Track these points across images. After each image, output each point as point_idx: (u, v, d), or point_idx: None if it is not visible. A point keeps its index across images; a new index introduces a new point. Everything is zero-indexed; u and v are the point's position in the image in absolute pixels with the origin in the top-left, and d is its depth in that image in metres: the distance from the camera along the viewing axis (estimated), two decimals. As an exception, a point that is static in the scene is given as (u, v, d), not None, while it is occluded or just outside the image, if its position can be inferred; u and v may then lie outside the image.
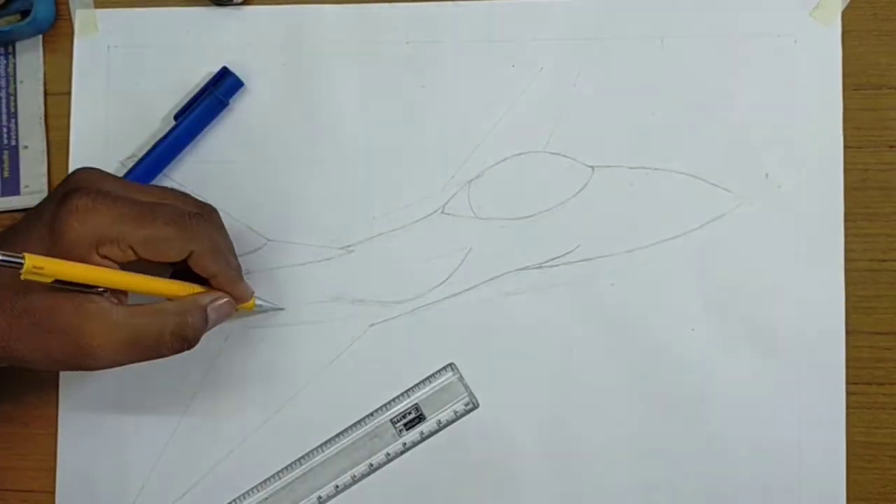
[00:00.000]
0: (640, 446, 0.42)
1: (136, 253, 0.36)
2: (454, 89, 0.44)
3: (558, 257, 0.43)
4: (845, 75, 0.42)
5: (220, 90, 0.43)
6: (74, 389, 0.44)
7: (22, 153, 0.46)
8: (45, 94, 0.46)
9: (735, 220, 0.42)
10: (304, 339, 0.44)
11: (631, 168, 0.43)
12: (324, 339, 0.44)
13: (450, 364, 0.43)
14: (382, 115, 0.44)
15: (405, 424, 0.43)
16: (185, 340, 0.37)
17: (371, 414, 0.43)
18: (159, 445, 0.44)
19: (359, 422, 0.43)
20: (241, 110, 0.45)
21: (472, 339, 0.43)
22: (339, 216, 0.44)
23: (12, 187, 0.45)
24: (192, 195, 0.40)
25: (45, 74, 0.46)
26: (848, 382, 0.41)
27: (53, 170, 0.46)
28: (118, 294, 0.36)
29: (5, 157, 0.46)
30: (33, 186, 0.45)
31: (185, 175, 0.45)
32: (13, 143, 0.46)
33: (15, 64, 0.46)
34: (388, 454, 0.43)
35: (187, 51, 0.45)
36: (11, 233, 0.37)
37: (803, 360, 0.41)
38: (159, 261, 0.36)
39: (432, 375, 0.43)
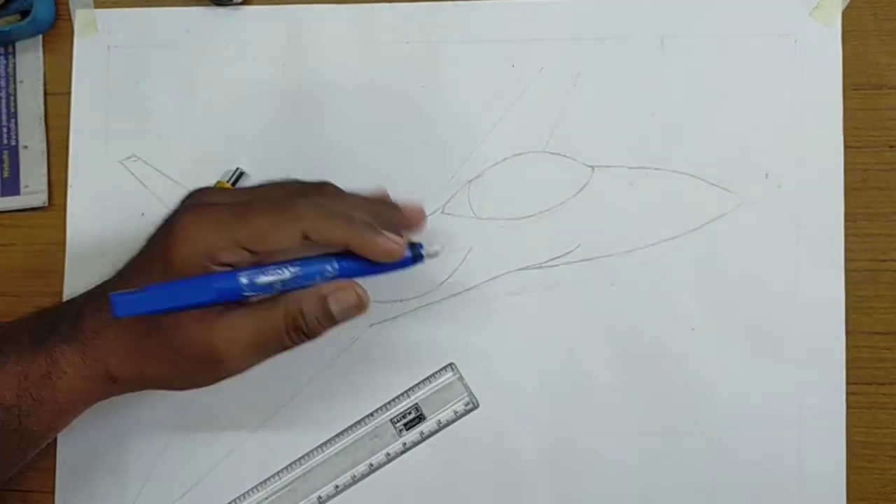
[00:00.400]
0: (639, 446, 0.42)
1: (250, 252, 0.34)
2: (454, 89, 0.44)
3: (558, 257, 0.43)
4: (845, 75, 0.42)
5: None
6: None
7: (22, 153, 0.46)
8: (45, 94, 0.46)
9: (735, 220, 0.42)
10: (304, 339, 0.44)
11: (631, 168, 0.43)
12: (324, 339, 0.43)
13: (449, 364, 0.43)
14: (382, 115, 0.44)
15: (405, 424, 0.43)
16: (300, 331, 0.35)
17: (371, 414, 0.43)
18: (159, 445, 0.44)
19: (359, 422, 0.43)
20: (241, 111, 0.45)
21: (472, 339, 0.43)
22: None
23: (12, 187, 0.45)
24: (301, 179, 0.38)
25: (45, 74, 0.46)
26: (848, 382, 0.41)
27: (53, 170, 0.46)
28: None
29: (5, 157, 0.46)
30: (33, 186, 0.45)
31: (186, 175, 0.45)
32: (13, 143, 0.46)
33: (15, 64, 0.46)
34: (388, 454, 0.43)
35: (187, 51, 0.45)
36: (129, 270, 0.37)
37: (803, 360, 0.41)
38: (276, 251, 0.34)
39: (432, 375, 0.43)
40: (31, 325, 0.38)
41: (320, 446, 0.43)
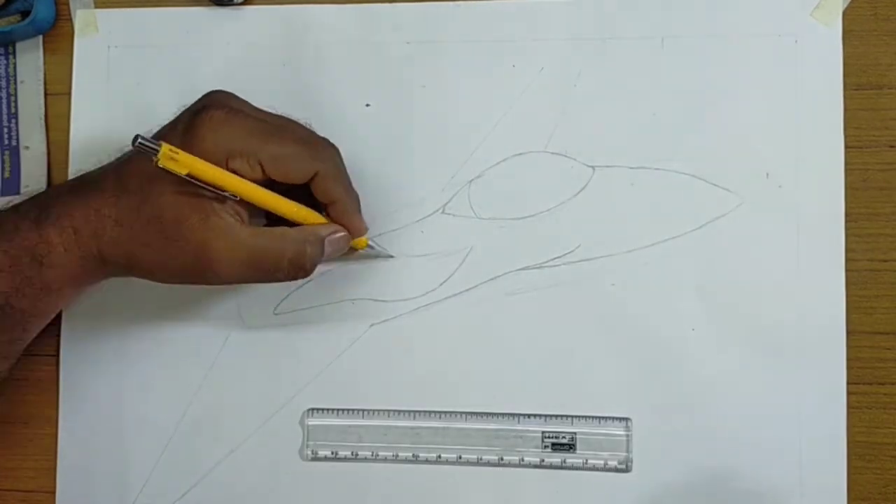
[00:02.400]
0: (639, 446, 0.42)
1: (263, 170, 0.36)
2: (454, 89, 0.44)
3: (558, 257, 0.43)
4: (846, 75, 0.42)
5: None
6: (74, 389, 0.44)
7: (23, 153, 0.46)
8: (46, 94, 0.46)
9: (735, 220, 0.42)
10: (305, 339, 0.44)
11: (631, 168, 0.43)
12: (324, 339, 0.44)
13: (628, 419, 0.42)
14: (382, 115, 0.44)
15: (553, 445, 0.42)
16: (301, 268, 0.38)
17: (530, 416, 0.42)
18: (159, 445, 0.44)
19: (515, 416, 0.42)
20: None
21: (472, 339, 0.43)
22: (339, 216, 0.44)
23: (13, 187, 0.45)
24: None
25: (45, 74, 0.46)
26: (848, 382, 0.41)
27: (53, 170, 0.46)
28: (241, 213, 0.37)
29: (6, 157, 0.46)
30: (34, 186, 0.45)
31: (185, 175, 0.45)
32: (14, 143, 0.46)
33: (15, 64, 0.46)
34: (522, 460, 0.42)
35: (187, 51, 0.45)
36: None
37: (803, 360, 0.41)
38: (284, 180, 0.37)
39: (606, 419, 0.42)
40: (24, 206, 0.38)
41: (467, 413, 0.43)
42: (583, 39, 0.44)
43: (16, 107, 0.46)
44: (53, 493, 0.44)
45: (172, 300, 0.44)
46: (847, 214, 0.42)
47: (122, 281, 0.44)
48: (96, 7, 0.46)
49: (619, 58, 0.43)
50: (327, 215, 0.40)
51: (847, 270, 0.42)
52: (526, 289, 0.43)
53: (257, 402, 0.44)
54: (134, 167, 0.37)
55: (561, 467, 0.42)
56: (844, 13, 0.42)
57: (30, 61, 0.46)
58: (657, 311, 0.42)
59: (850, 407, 0.41)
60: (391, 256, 0.43)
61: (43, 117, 0.46)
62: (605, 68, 0.43)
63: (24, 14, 0.45)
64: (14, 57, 0.46)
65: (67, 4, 0.46)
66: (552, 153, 0.43)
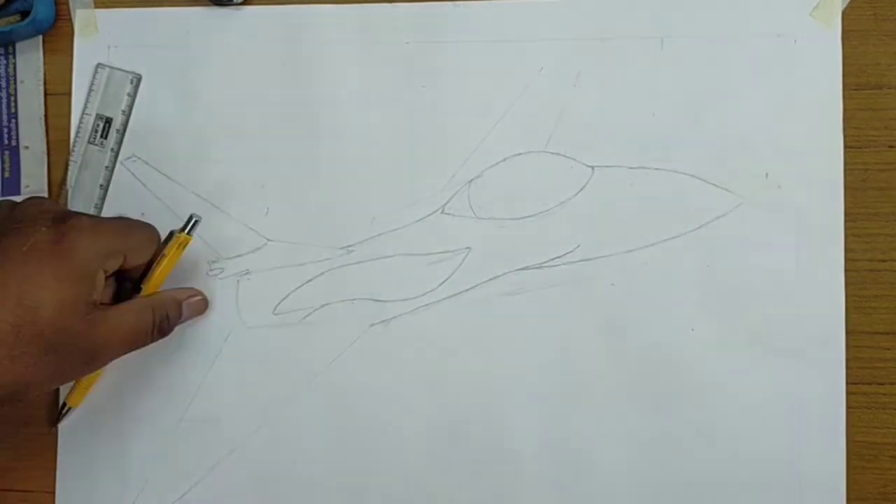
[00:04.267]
0: (639, 446, 0.42)
1: (125, 261, 0.39)
2: (454, 89, 0.44)
3: (558, 257, 0.43)
4: (845, 75, 0.42)
5: None
6: (74, 389, 0.44)
7: (23, 153, 0.46)
8: (46, 94, 0.46)
9: (735, 220, 0.42)
10: (305, 339, 0.44)
11: (631, 168, 0.43)
12: (324, 339, 0.44)
13: (98, 65, 0.43)
14: (382, 115, 0.44)
15: (101, 135, 0.43)
16: (162, 333, 0.41)
17: (72, 149, 0.42)
18: (159, 445, 0.44)
19: (67, 163, 0.42)
20: (241, 111, 0.45)
21: (472, 339, 0.43)
22: (339, 216, 0.44)
23: (13, 187, 0.45)
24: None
25: (45, 74, 0.46)
26: (848, 382, 0.41)
27: (53, 170, 0.46)
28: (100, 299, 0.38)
29: (6, 157, 0.46)
30: (34, 186, 0.45)
31: (185, 175, 0.45)
32: (14, 143, 0.46)
33: (15, 64, 0.46)
34: (107, 167, 0.44)
35: (187, 51, 0.45)
36: (12, 267, 0.35)
37: (803, 360, 0.41)
38: (137, 265, 0.40)
39: (92, 83, 0.43)
40: None
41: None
42: (583, 39, 0.44)
43: (16, 107, 0.46)
44: (53, 493, 0.44)
45: (172, 300, 0.44)
46: (847, 214, 0.42)
47: (122, 281, 0.44)
48: (96, 7, 0.46)
49: (619, 58, 0.43)
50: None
51: (847, 270, 0.42)
52: (526, 289, 0.43)
53: (257, 402, 0.44)
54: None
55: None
56: (844, 13, 0.42)
57: (30, 61, 0.46)
58: (657, 311, 0.42)
59: (850, 407, 0.41)
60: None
61: (43, 117, 0.46)
62: (605, 68, 0.43)
63: (24, 14, 0.45)
64: (14, 57, 0.46)
65: (67, 4, 0.46)
66: (552, 153, 0.43)
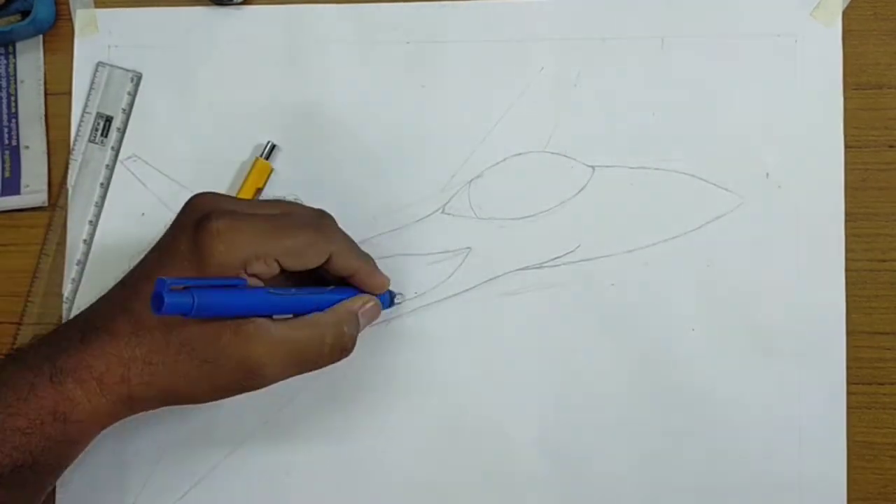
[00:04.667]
0: (640, 446, 0.42)
1: (280, 265, 0.36)
2: (454, 89, 0.44)
3: (558, 257, 0.43)
4: (846, 75, 0.42)
5: None
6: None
7: (23, 153, 0.46)
8: (46, 93, 0.46)
9: (735, 219, 0.42)
10: (304, 339, 0.44)
11: (631, 168, 0.43)
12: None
13: (98, 63, 0.42)
14: (382, 115, 0.44)
15: (102, 133, 0.42)
16: (343, 350, 0.37)
17: (72, 148, 0.41)
18: (159, 446, 0.44)
19: (67, 164, 0.41)
20: (241, 110, 0.45)
21: (472, 339, 0.43)
22: (339, 216, 0.44)
23: (13, 187, 0.45)
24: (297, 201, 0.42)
25: (45, 74, 0.46)
26: (848, 382, 0.41)
27: (53, 170, 0.46)
28: None
29: (6, 157, 0.46)
30: (34, 186, 0.45)
31: (186, 175, 0.45)
32: (14, 143, 0.46)
33: (15, 64, 0.46)
34: (108, 165, 0.42)
35: (187, 51, 0.45)
36: (151, 269, 0.36)
37: (803, 360, 0.41)
38: (301, 269, 0.37)
39: (93, 82, 0.42)
40: (31, 358, 0.36)
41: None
42: (583, 39, 0.44)
43: (16, 106, 0.46)
44: (53, 492, 0.44)
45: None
46: (847, 214, 0.42)
47: (122, 281, 0.44)
48: (96, 7, 0.46)
49: (619, 58, 0.43)
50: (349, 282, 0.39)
51: (847, 270, 0.42)
52: (526, 289, 0.43)
53: (257, 402, 0.43)
54: (144, 303, 0.34)
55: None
56: (844, 13, 0.42)
57: (30, 61, 0.46)
58: (657, 311, 0.42)
59: (850, 407, 0.41)
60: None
61: (43, 117, 0.46)
62: (605, 68, 0.43)
63: (24, 14, 0.45)
64: (14, 57, 0.46)
65: (67, 4, 0.46)
66: (552, 153, 0.43)
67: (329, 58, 0.45)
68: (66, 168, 0.45)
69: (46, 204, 0.45)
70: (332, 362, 0.37)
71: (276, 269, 0.36)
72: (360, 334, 0.39)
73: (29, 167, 0.46)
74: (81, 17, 0.46)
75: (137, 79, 0.43)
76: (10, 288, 0.45)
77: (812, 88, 0.42)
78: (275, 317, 0.36)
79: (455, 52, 0.44)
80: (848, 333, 0.41)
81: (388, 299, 0.41)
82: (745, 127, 0.43)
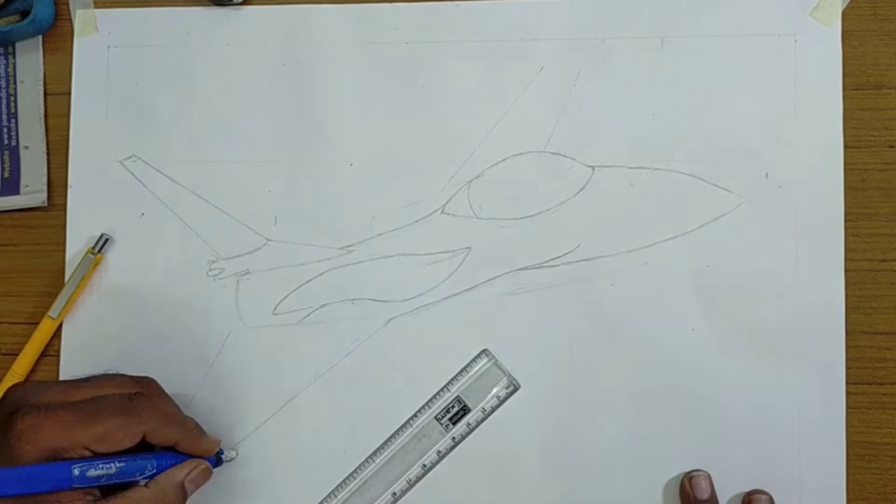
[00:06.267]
0: (639, 446, 0.42)
1: (91, 451, 0.36)
2: (454, 89, 0.44)
3: (558, 257, 0.43)
4: (845, 75, 0.42)
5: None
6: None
7: (23, 153, 0.46)
8: (45, 94, 0.46)
9: (735, 220, 0.42)
10: (304, 340, 0.44)
11: (631, 168, 0.43)
12: (324, 339, 0.44)
13: (483, 350, 0.43)
14: (382, 115, 0.44)
15: (451, 419, 0.42)
16: None
17: (415, 415, 0.42)
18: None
19: (405, 424, 0.42)
20: (241, 111, 0.45)
21: (472, 338, 0.43)
22: (339, 216, 0.44)
23: (12, 187, 0.45)
24: (125, 374, 0.41)
25: (45, 74, 0.46)
26: (848, 382, 0.41)
27: (53, 170, 0.46)
28: (92, 492, 0.36)
29: (6, 157, 0.46)
30: (33, 186, 0.45)
31: (186, 175, 0.45)
32: (13, 143, 0.46)
33: (15, 64, 0.46)
34: (439, 452, 0.42)
35: (187, 51, 0.45)
36: None
37: (803, 360, 0.41)
38: (117, 451, 0.37)
39: (468, 365, 0.42)
40: None
41: (370, 457, 0.42)
42: (583, 39, 0.44)
43: (15, 107, 0.46)
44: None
45: (173, 300, 0.44)
46: (846, 214, 0.42)
47: (121, 282, 0.44)
48: (96, 7, 0.46)
49: (619, 58, 0.43)
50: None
51: (846, 270, 0.42)
52: (526, 289, 0.43)
53: (257, 402, 0.44)
54: None
55: (470, 431, 0.42)
56: (844, 13, 0.42)
57: (30, 61, 0.46)
58: (657, 311, 0.42)
59: (850, 407, 0.41)
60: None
61: (43, 117, 0.46)
62: (605, 68, 0.43)
63: (24, 14, 0.45)
64: (14, 57, 0.46)
65: (67, 4, 0.46)
66: (552, 153, 0.43)
67: (329, 58, 0.45)
68: (66, 168, 0.45)
69: (46, 204, 0.45)
70: None
71: (88, 455, 0.36)
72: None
73: (28, 167, 0.46)
74: (81, 17, 0.46)
75: (514, 389, 0.42)
76: (11, 288, 0.45)
77: (812, 88, 0.42)
78: (99, 492, 0.36)
79: (455, 52, 0.44)
80: (848, 333, 0.41)
81: (215, 460, 0.41)
82: (744, 127, 0.43)
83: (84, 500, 0.35)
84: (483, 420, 0.42)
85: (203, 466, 0.39)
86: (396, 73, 0.44)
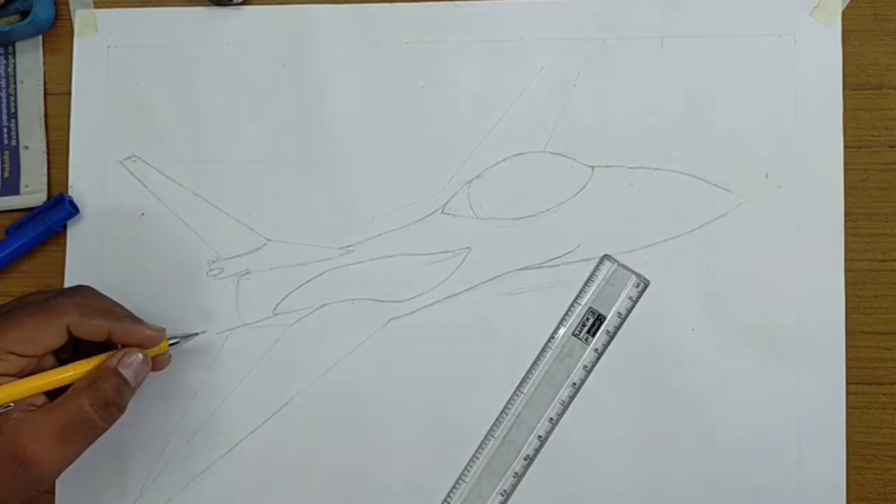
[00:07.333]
0: (639, 446, 0.42)
1: (18, 355, 0.35)
2: (454, 89, 0.44)
3: (558, 257, 0.43)
4: (845, 75, 0.42)
5: (53, 217, 0.43)
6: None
7: (22, 153, 0.46)
8: (45, 94, 0.46)
9: (735, 219, 0.42)
10: (304, 340, 0.44)
11: (631, 168, 0.43)
12: (324, 339, 0.44)
13: (604, 256, 0.42)
14: (382, 115, 0.44)
15: (588, 331, 0.42)
16: (108, 407, 0.36)
17: (552, 336, 0.42)
18: (159, 446, 0.44)
19: (543, 349, 0.42)
20: (241, 111, 0.45)
21: (471, 338, 0.43)
22: (339, 216, 0.44)
23: (12, 187, 0.45)
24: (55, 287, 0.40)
25: (45, 74, 0.46)
26: (848, 382, 0.41)
27: (53, 170, 0.46)
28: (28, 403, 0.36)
29: (6, 157, 0.46)
30: (33, 186, 0.45)
31: (186, 175, 0.45)
32: (13, 143, 0.46)
33: (15, 64, 0.46)
34: (586, 366, 0.42)
35: (187, 51, 0.45)
36: None
37: (803, 360, 0.41)
38: (44, 352, 0.36)
39: (592, 274, 0.42)
40: None
41: (518, 388, 0.42)
42: (583, 39, 0.44)
43: (15, 107, 0.46)
44: (53, 492, 0.44)
45: (173, 300, 0.44)
46: (847, 214, 0.42)
47: (121, 282, 0.44)
48: (96, 7, 0.46)
49: (619, 58, 0.43)
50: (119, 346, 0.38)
51: (847, 270, 0.42)
52: (526, 289, 0.43)
53: (257, 402, 0.44)
54: None
55: (611, 338, 0.42)
56: (844, 13, 0.42)
57: (30, 61, 0.46)
58: (657, 311, 0.42)
59: (850, 407, 0.41)
60: (200, 333, 0.42)
61: (43, 117, 0.46)
62: (605, 68, 0.43)
63: (24, 14, 0.45)
64: (14, 57, 0.46)
65: (67, 4, 0.46)
66: (552, 153, 0.43)
67: (329, 58, 0.45)
68: (66, 168, 0.45)
69: (46, 204, 0.45)
70: (107, 423, 0.36)
71: (16, 361, 0.35)
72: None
73: (28, 167, 0.46)
74: (81, 17, 0.46)
75: (644, 286, 0.42)
76: (11, 288, 0.45)
77: (811, 88, 0.42)
78: (41, 403, 0.36)
79: (455, 52, 0.44)
80: (848, 333, 0.41)
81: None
82: (745, 127, 0.43)
83: (21, 411, 0.35)
84: (621, 325, 0.42)
85: (136, 353, 0.37)
86: (396, 73, 0.44)
